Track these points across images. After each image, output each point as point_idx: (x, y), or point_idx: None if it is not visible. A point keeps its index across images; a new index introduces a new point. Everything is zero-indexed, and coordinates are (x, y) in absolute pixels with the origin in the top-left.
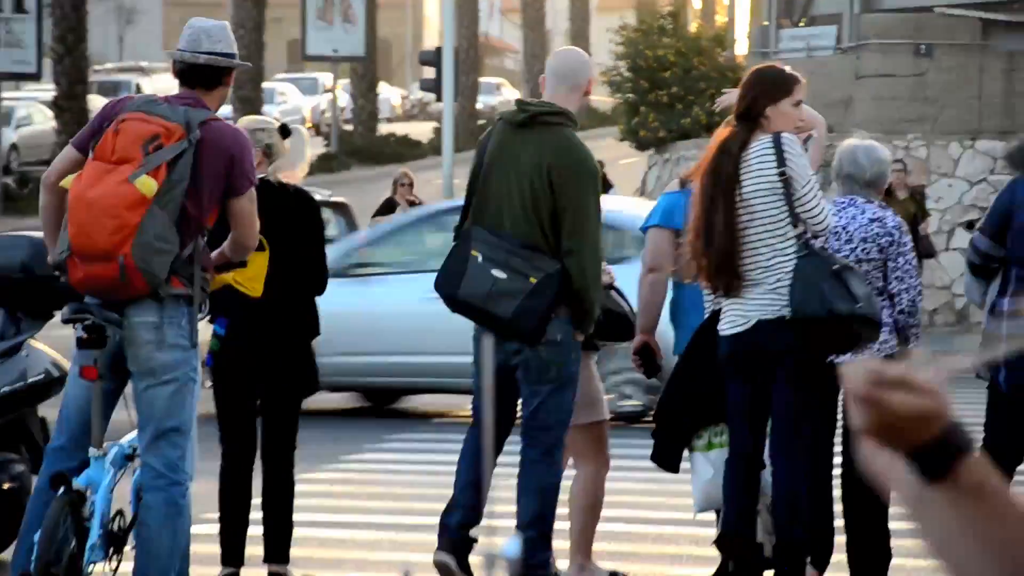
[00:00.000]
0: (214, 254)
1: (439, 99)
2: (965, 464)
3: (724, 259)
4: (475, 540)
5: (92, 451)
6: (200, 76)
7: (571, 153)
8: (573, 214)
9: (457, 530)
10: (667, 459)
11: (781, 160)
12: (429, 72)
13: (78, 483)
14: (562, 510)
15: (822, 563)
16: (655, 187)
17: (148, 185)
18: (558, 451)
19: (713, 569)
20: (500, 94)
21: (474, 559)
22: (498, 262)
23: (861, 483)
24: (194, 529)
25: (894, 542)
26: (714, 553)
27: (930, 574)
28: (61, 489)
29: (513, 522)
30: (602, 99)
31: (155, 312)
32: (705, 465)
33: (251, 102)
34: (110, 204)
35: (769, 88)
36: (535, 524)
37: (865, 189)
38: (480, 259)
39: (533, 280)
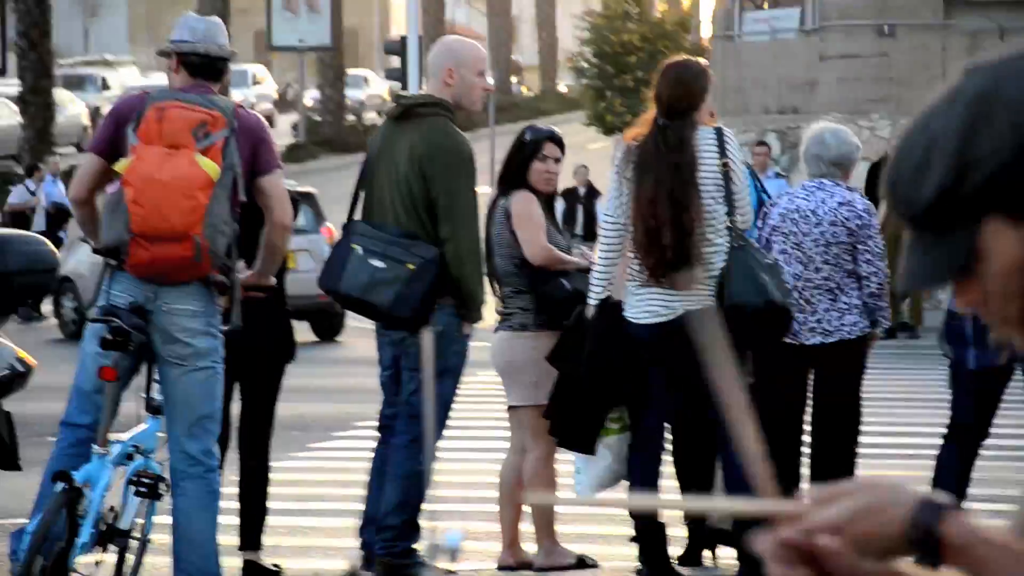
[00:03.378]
0: (246, 278)
1: (404, 87)
2: (948, 537)
3: (685, 249)
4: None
5: (96, 448)
6: (212, 69)
7: (439, 140)
8: (445, 200)
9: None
10: (583, 442)
11: (723, 151)
12: (396, 61)
13: (78, 480)
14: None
15: None
16: None
17: (213, 168)
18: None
19: (680, 549)
20: None
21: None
22: (377, 253)
23: (829, 463)
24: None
25: None
26: (681, 534)
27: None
28: (61, 485)
29: (456, 510)
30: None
31: (199, 298)
32: (603, 451)
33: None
34: (185, 184)
35: (705, 85)
36: (397, 512)
37: (831, 169)
38: (360, 251)
39: (411, 267)
